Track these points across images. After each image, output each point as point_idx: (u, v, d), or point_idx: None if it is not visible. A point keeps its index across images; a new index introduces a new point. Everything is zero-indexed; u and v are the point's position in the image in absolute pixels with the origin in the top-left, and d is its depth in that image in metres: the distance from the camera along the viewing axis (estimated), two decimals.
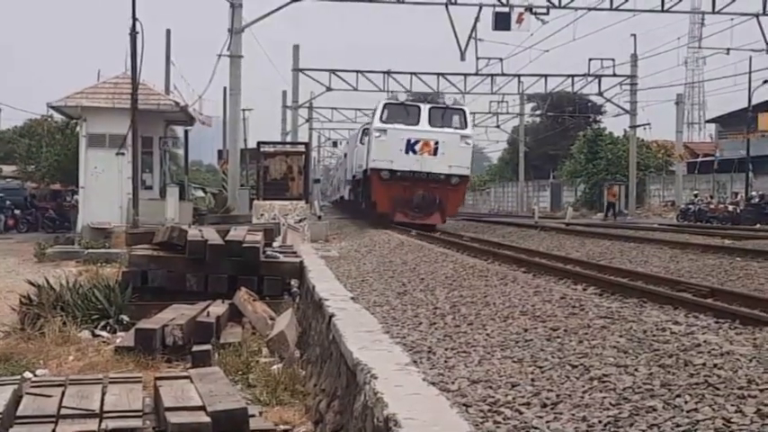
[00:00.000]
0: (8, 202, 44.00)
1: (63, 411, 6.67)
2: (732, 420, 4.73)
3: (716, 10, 39.17)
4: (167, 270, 14.24)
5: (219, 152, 52.64)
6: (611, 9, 38.20)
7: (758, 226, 40.60)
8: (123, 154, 29.22)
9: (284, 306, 13.33)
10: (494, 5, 37.41)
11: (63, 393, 7.14)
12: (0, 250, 28.86)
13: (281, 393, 8.96)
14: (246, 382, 9.60)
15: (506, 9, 37.43)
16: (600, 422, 4.82)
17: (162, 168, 33.61)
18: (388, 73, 54.16)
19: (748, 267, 15.83)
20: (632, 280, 13.48)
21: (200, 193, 46.92)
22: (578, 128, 78.90)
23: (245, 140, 50.31)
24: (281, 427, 7.88)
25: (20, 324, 12.92)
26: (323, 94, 58.75)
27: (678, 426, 4.69)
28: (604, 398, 5.28)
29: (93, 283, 14.60)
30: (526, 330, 7.81)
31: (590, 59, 55.02)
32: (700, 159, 72.18)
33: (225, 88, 41.08)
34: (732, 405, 4.99)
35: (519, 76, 57.61)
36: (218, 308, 12.58)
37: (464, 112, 33.14)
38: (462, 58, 41.94)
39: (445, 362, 6.51)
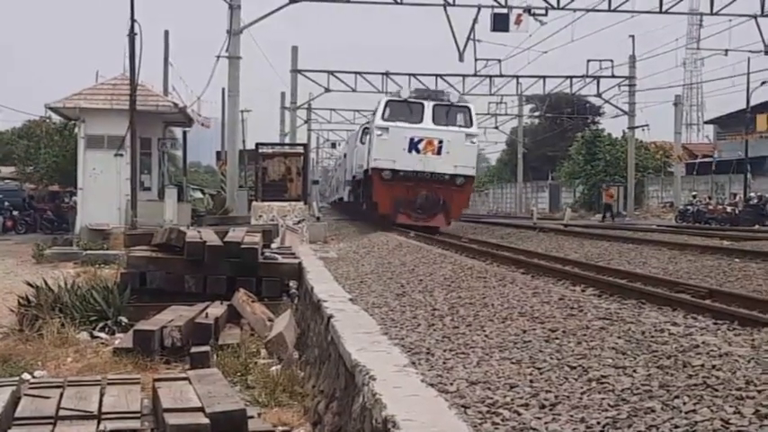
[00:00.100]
0: (6, 204, 44.04)
1: (61, 413, 6.66)
2: (730, 421, 4.73)
3: (714, 11, 39.22)
4: (166, 271, 14.22)
5: (218, 153, 52.69)
6: (609, 10, 38.22)
7: (757, 227, 40.67)
8: (122, 155, 29.24)
9: (283, 307, 13.32)
10: (492, 7, 37.43)
11: (61, 395, 7.13)
12: None
13: (280, 395, 8.96)
14: (245, 383, 9.60)
15: (505, 10, 37.44)
16: (598, 423, 4.81)
17: (160, 170, 33.62)
18: (387, 74, 54.21)
19: (747, 268, 15.85)
20: (631, 281, 13.51)
21: (198, 195, 46.89)
22: (577, 129, 78.99)
23: (244, 142, 50.30)
24: (280, 428, 7.87)
25: (18, 325, 12.91)
26: (321, 95, 58.86)
27: (677, 427, 4.69)
28: (603, 399, 5.28)
29: (92, 285, 14.60)
30: (525, 331, 7.81)
31: (588, 61, 55.20)
32: (698, 160, 72.24)
33: (223, 89, 41.09)
34: (730, 406, 4.99)
35: (517, 77, 57.67)
36: (216, 309, 12.57)
37: (469, 109, 32.11)
38: (461, 60, 41.99)
39: (444, 363, 6.51)
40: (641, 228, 36.14)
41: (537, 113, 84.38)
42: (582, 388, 5.59)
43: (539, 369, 6.20)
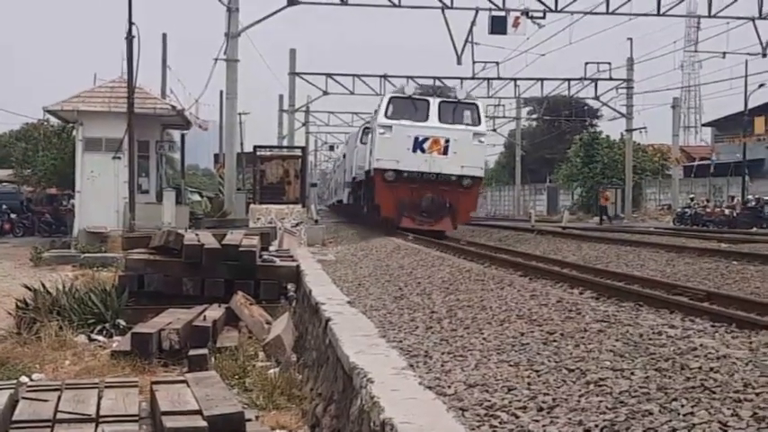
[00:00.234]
0: (4, 207, 44.03)
1: (59, 416, 6.66)
2: (728, 424, 4.73)
3: (712, 14, 39.24)
4: (164, 274, 14.22)
5: (216, 156, 52.66)
6: (607, 13, 38.26)
7: (754, 229, 40.69)
8: (119, 158, 29.25)
9: (281, 310, 13.33)
10: (490, 9, 37.45)
11: (59, 398, 7.12)
12: None
13: (278, 397, 8.96)
14: (243, 386, 9.60)
15: (503, 13, 37.46)
16: (596, 426, 4.82)
17: (158, 172, 33.63)
18: (385, 76, 54.18)
19: (744, 271, 15.87)
20: (628, 284, 13.51)
21: (196, 197, 46.88)
22: (575, 131, 78.98)
23: (242, 144, 50.28)
24: (278, 431, 7.88)
25: (16, 328, 12.90)
26: (319, 97, 58.90)
27: (674, 429, 4.69)
28: (601, 402, 5.28)
29: (90, 288, 14.59)
30: (522, 334, 7.81)
31: (586, 63, 55.22)
32: (696, 163, 72.30)
33: (221, 92, 41.11)
34: (728, 409, 4.99)
35: (515, 79, 57.68)
36: (214, 312, 12.57)
37: (477, 106, 30.59)
38: (459, 62, 41.99)
39: (442, 366, 6.51)
40: (639, 230, 36.15)
41: (535, 116, 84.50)
42: (580, 390, 5.59)
43: (537, 372, 6.21)
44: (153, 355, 10.83)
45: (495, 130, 74.56)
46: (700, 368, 5.97)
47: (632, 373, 5.95)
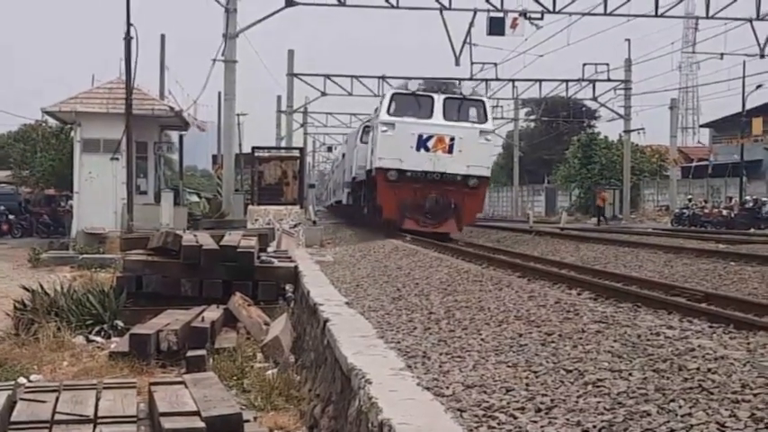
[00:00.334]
0: (2, 208, 44.03)
1: (57, 417, 6.65)
2: (726, 425, 4.74)
3: (710, 15, 39.31)
4: (162, 275, 14.22)
5: (214, 157, 52.70)
6: (605, 14, 38.31)
7: (752, 230, 40.73)
8: (118, 159, 29.26)
9: (279, 311, 13.33)
10: (488, 10, 37.51)
11: (57, 399, 7.12)
12: None
13: (276, 398, 8.96)
14: (241, 387, 9.60)
15: (500, 14, 37.54)
16: (594, 427, 4.82)
17: (156, 173, 33.63)
18: (383, 78, 54.17)
19: (742, 272, 15.86)
20: (626, 284, 13.50)
21: (194, 198, 46.86)
22: (573, 132, 79.03)
23: (240, 145, 50.26)
24: None
25: (14, 329, 12.91)
26: (318, 98, 58.94)
27: (673, 430, 4.70)
28: (599, 402, 5.29)
29: (88, 289, 14.59)
30: (521, 335, 7.82)
31: (584, 64, 55.26)
32: (694, 164, 72.37)
33: (219, 93, 41.11)
34: (726, 409, 5.00)
35: (513, 80, 57.74)
36: (212, 313, 12.57)
37: (483, 103, 29.50)
38: (457, 63, 42.06)
39: (440, 367, 6.51)
40: (637, 231, 36.16)
41: (533, 117, 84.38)
42: (578, 391, 5.60)
43: (535, 372, 6.21)
44: (151, 356, 10.83)
45: (493, 130, 74.52)
46: (698, 369, 5.98)
47: (630, 374, 5.95)
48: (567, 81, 57.98)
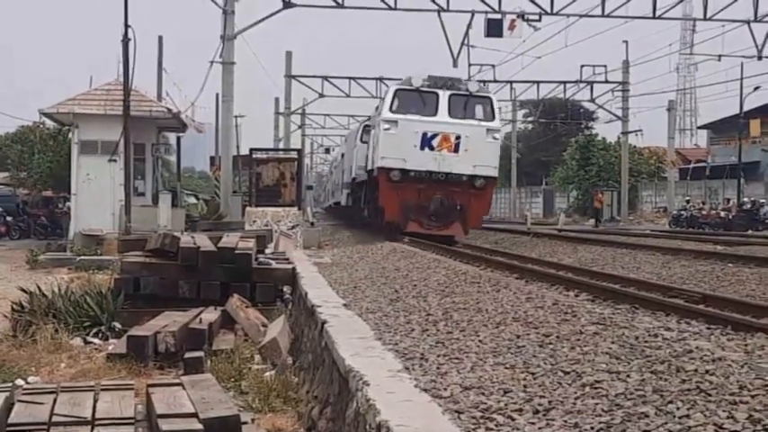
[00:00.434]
0: (0, 209, 43.95)
1: (55, 419, 6.65)
2: (724, 426, 4.74)
3: (707, 17, 39.35)
4: (159, 277, 14.21)
5: (212, 159, 52.73)
6: (602, 16, 38.33)
7: (750, 232, 40.80)
8: (115, 161, 29.23)
9: (277, 313, 13.32)
10: (486, 12, 37.51)
11: (55, 401, 7.12)
12: None
13: (274, 400, 8.95)
14: (239, 388, 9.59)
15: (498, 16, 37.54)
16: (592, 429, 4.82)
17: (154, 175, 33.61)
18: (381, 79, 54.19)
19: (740, 273, 15.88)
20: (624, 286, 13.51)
21: (192, 200, 46.86)
22: (570, 134, 79.15)
23: (238, 147, 50.29)
24: None
25: (12, 331, 12.90)
26: (315, 100, 59.00)
27: None
28: (596, 404, 5.29)
29: (86, 290, 14.58)
30: (518, 337, 7.82)
31: (582, 66, 55.31)
32: (692, 165, 72.46)
33: (217, 95, 41.13)
34: (724, 411, 5.00)
35: (511, 82, 57.77)
36: (210, 315, 12.56)
37: (491, 100, 28.22)
38: (455, 65, 42.01)
39: (437, 368, 6.51)
40: (635, 233, 36.18)
41: (531, 119, 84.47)
42: (576, 393, 5.60)
43: (532, 374, 6.21)
44: (149, 357, 10.82)
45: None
46: (695, 370, 5.98)
47: (628, 376, 5.95)
48: (564, 83, 58.05)
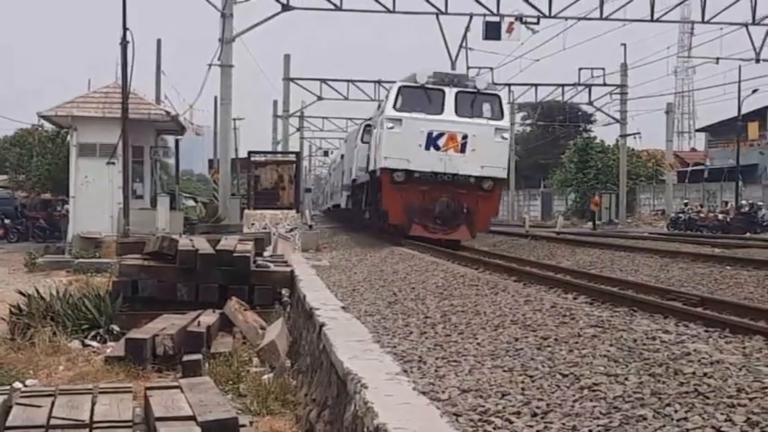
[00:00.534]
0: None
1: (53, 422, 6.65)
2: (722, 429, 4.75)
3: (705, 19, 39.33)
4: (158, 280, 14.21)
5: (210, 161, 52.68)
6: (601, 18, 38.34)
7: (748, 234, 40.82)
8: (114, 163, 29.20)
9: (275, 315, 13.32)
10: (484, 15, 37.52)
11: (53, 404, 7.11)
12: None
13: (272, 403, 8.96)
14: (237, 391, 9.59)
15: (497, 19, 37.53)
16: (590, 431, 4.82)
17: (153, 178, 33.59)
18: (379, 82, 54.16)
19: (738, 276, 15.89)
20: (622, 289, 13.51)
21: (190, 203, 46.81)
22: (569, 137, 79.19)
23: (236, 150, 50.35)
24: None
25: (10, 334, 12.91)
26: (314, 103, 58.97)
27: None
28: (595, 407, 5.29)
29: (84, 293, 14.58)
30: (516, 339, 7.82)
31: (580, 69, 55.28)
32: (690, 168, 72.51)
33: (216, 97, 41.11)
34: (722, 414, 5.00)
35: (509, 85, 57.66)
36: (208, 317, 12.56)
37: (499, 98, 26.82)
38: (453, 67, 41.96)
39: (435, 371, 6.51)
40: (633, 235, 36.19)
41: (529, 121, 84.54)
42: (574, 396, 5.60)
43: (531, 377, 6.21)
44: (147, 360, 10.82)
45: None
46: (693, 373, 5.98)
47: (626, 379, 5.95)
48: (563, 85, 58.07)
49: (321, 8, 36.68)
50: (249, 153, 33.35)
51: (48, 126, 41.80)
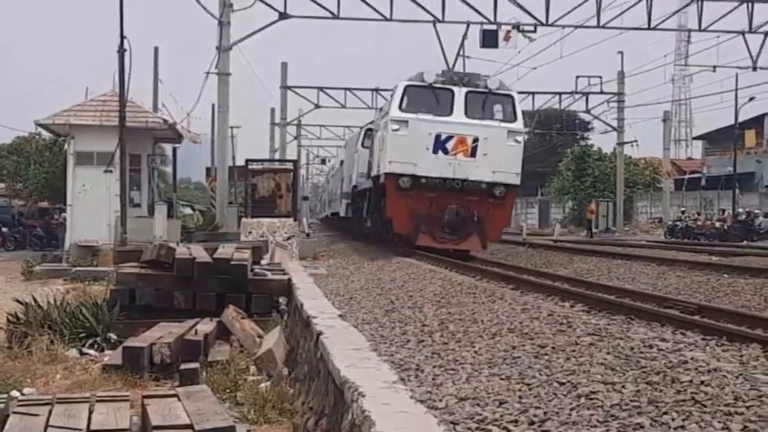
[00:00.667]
0: None
1: (50, 430, 6.65)
2: None
3: (702, 28, 39.38)
4: (155, 288, 14.22)
5: (208, 169, 52.69)
6: (597, 27, 38.38)
7: (745, 242, 40.85)
8: (111, 171, 29.23)
9: (272, 324, 13.32)
10: (481, 23, 37.55)
11: (50, 412, 7.11)
12: None
13: (269, 411, 8.95)
14: (234, 400, 9.59)
15: (494, 27, 37.56)
16: None
17: (150, 186, 33.59)
18: (377, 90, 54.21)
19: (735, 284, 15.88)
20: (620, 297, 13.51)
21: (188, 211, 46.87)
22: (566, 145, 79.22)
23: (234, 158, 50.34)
24: None
25: (7, 342, 12.89)
26: (311, 111, 59.04)
27: None
28: (592, 415, 5.29)
29: (81, 302, 14.56)
30: (514, 347, 7.81)
31: (577, 77, 55.42)
32: (687, 176, 72.60)
33: (213, 105, 41.13)
34: (719, 422, 5.00)
35: None
36: (205, 326, 12.56)
37: (512, 98, 24.99)
38: None
39: (433, 379, 6.51)
40: (630, 243, 36.19)
41: (526, 129, 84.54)
42: (571, 404, 5.60)
43: (528, 385, 6.21)
44: (144, 369, 10.81)
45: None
46: (690, 381, 5.98)
47: (623, 387, 5.95)
48: (560, 93, 58.17)
49: (318, 16, 36.70)
50: (246, 161, 33.35)
51: (45, 134, 41.81)
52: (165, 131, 32.98)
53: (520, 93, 56.41)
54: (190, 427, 6.49)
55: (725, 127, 68.26)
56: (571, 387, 6.04)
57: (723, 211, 55.69)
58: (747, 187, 62.17)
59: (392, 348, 8.01)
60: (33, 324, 13.01)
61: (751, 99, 57.36)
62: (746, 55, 41.21)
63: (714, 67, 49.17)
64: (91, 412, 7.19)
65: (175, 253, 14.59)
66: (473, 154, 23.61)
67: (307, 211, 64.80)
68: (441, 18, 37.12)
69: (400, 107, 23.93)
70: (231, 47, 33.86)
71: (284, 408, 9.09)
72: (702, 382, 5.94)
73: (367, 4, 36.04)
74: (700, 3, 37.83)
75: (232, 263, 14.44)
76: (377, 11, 36.37)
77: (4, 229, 43.60)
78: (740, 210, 51.61)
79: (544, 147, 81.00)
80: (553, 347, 7.69)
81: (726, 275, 17.54)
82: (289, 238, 27.34)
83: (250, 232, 27.61)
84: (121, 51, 27.31)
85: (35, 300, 14.16)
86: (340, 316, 10.20)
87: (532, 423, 5.21)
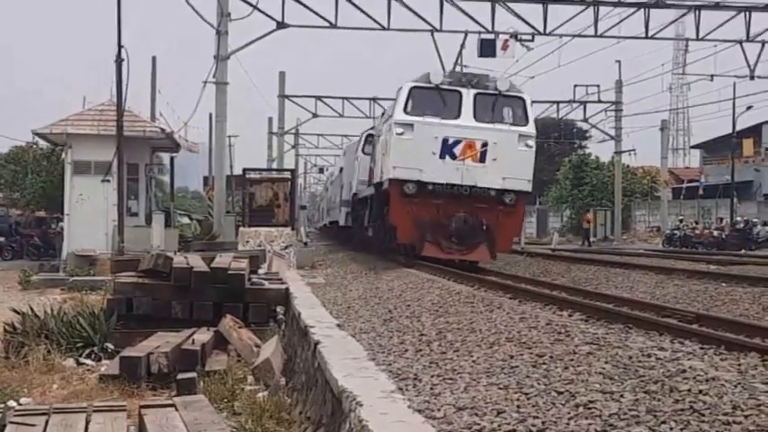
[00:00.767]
0: None
1: None
2: None
3: (700, 37, 39.45)
4: (152, 297, 14.19)
5: (205, 179, 52.73)
6: (595, 36, 38.44)
7: (743, 251, 40.85)
8: (109, 181, 29.21)
9: (270, 333, 13.30)
10: (479, 32, 37.59)
11: (47, 422, 7.09)
12: None
13: (267, 421, 8.92)
14: (232, 410, 9.56)
15: (491, 36, 37.60)
16: None
17: (147, 195, 33.58)
18: (374, 99, 54.27)
19: (733, 293, 15.88)
20: (618, 306, 13.50)
21: (185, 220, 46.85)
22: (564, 154, 79.30)
23: (231, 167, 50.34)
24: None
25: (4, 352, 12.86)
26: (309, 120, 59.10)
27: None
28: (590, 424, 5.27)
29: (78, 311, 14.54)
30: (512, 357, 7.80)
31: (575, 86, 55.54)
32: (685, 185, 72.64)
33: (211, 114, 41.17)
34: (717, 431, 4.99)
35: None
36: (203, 335, 12.54)
37: (524, 100, 23.46)
38: None
39: (431, 389, 6.50)
40: (628, 252, 36.22)
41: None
42: (569, 413, 5.58)
43: (526, 394, 6.20)
44: (141, 378, 10.79)
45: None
46: (689, 390, 5.97)
47: (621, 396, 5.94)
48: (558, 102, 58.27)
49: (316, 26, 36.73)
50: (244, 170, 33.30)
51: (42, 143, 41.76)
52: (163, 140, 32.97)
53: None
54: None
55: (723, 136, 68.34)
56: (569, 396, 6.03)
57: (721, 219, 55.71)
58: (745, 196, 62.21)
59: (390, 358, 8.00)
60: (30, 334, 12.99)
61: (749, 108, 57.43)
62: (744, 64, 41.32)
63: (712, 76, 49.27)
64: (88, 422, 7.17)
65: (173, 262, 14.56)
66: (482, 159, 22.46)
67: (304, 220, 64.84)
68: (438, 27, 37.15)
69: (405, 110, 22.76)
70: (229, 56, 33.89)
71: (282, 417, 9.06)
72: (701, 392, 5.93)
73: (365, 13, 36.11)
74: (697, 12, 37.90)
75: (229, 272, 14.42)
76: (374, 20, 36.42)
77: (2, 239, 43.61)
78: (738, 218, 51.63)
79: (542, 155, 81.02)
80: (551, 356, 7.68)
81: (724, 284, 17.54)
82: (286, 248, 27.32)
83: (247, 241, 27.59)
84: (119, 61, 27.32)
85: (32, 309, 14.14)
86: (338, 325, 10.18)
87: None
